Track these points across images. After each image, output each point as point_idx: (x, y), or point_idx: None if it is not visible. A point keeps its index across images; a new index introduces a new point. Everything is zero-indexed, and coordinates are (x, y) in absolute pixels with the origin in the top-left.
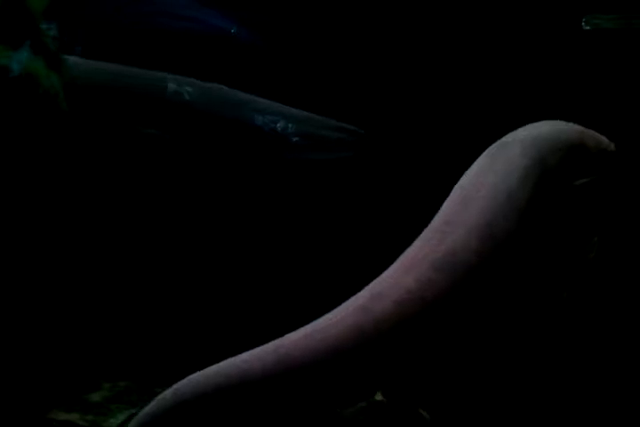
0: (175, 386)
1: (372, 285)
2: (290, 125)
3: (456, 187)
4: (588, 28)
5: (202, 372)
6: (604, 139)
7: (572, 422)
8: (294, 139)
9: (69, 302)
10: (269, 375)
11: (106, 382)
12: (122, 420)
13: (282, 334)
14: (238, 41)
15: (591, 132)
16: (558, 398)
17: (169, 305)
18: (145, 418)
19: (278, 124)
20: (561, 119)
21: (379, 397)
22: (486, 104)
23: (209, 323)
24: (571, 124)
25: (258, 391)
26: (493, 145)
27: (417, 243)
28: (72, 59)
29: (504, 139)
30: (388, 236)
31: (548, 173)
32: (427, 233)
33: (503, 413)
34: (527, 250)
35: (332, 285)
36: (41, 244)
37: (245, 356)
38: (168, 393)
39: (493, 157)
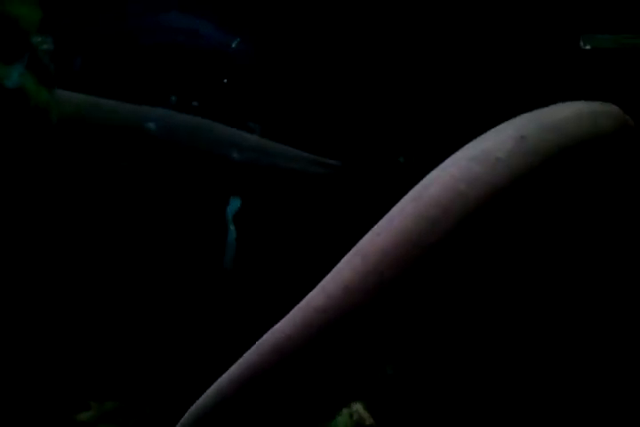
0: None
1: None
2: (266, 160)
3: None
4: (587, 47)
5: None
6: None
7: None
8: (270, 173)
9: (57, 324)
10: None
11: (94, 403)
12: None
13: None
14: (237, 56)
15: None
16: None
17: (155, 326)
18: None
19: (256, 160)
20: None
21: (369, 421)
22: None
23: (196, 344)
24: None
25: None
26: None
27: None
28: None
29: None
30: None
31: (599, 132)
32: None
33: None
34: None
35: None
36: (23, 263)
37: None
38: (212, 389)
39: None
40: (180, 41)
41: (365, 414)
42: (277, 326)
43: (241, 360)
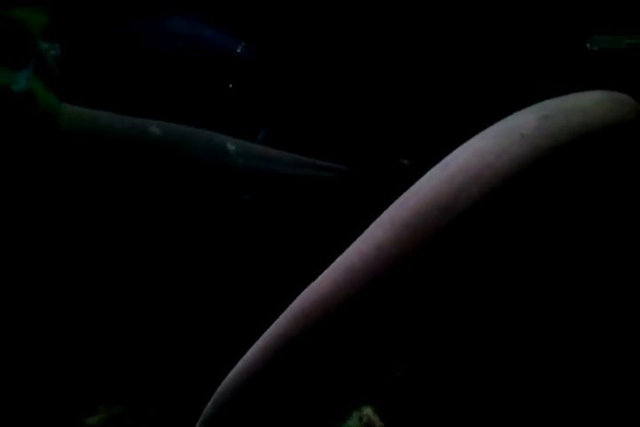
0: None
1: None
2: (271, 167)
3: None
4: (593, 48)
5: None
6: None
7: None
8: (278, 180)
9: (65, 328)
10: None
11: (102, 406)
12: None
13: None
14: (242, 60)
15: None
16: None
17: (163, 330)
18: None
19: (261, 167)
20: None
21: (379, 424)
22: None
23: (203, 347)
24: None
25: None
26: None
27: None
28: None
29: None
30: None
31: (617, 117)
32: None
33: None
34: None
35: None
36: (33, 268)
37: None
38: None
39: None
40: (184, 46)
41: (375, 417)
42: (310, 287)
43: (272, 327)
